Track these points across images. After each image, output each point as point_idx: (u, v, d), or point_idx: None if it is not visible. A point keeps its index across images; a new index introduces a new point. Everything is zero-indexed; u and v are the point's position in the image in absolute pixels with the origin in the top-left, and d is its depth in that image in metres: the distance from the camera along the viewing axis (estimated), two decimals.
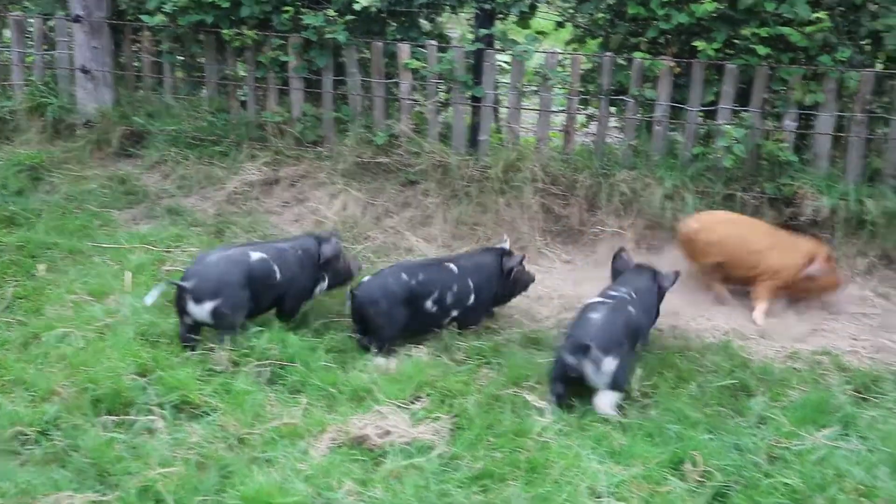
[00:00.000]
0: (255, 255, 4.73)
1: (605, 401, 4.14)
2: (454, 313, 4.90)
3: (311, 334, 4.75)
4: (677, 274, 4.78)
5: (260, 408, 4.04)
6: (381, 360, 4.59)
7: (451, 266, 4.96)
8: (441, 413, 4.06)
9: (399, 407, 4.10)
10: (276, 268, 4.76)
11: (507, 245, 5.18)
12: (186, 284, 4.48)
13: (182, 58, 7.39)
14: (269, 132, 6.96)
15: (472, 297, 4.91)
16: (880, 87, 5.87)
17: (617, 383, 4.14)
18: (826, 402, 4.17)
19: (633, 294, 4.51)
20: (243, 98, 7.17)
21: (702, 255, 5.36)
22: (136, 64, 7.57)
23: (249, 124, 7.05)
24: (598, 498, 3.50)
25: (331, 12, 6.48)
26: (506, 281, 5.06)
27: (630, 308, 4.39)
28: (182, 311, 4.54)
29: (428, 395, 4.24)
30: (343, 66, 6.84)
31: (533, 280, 5.23)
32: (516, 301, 5.27)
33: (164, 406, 4.00)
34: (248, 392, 4.12)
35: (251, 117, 7.08)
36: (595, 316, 4.29)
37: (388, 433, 3.86)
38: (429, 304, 4.80)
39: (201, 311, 4.49)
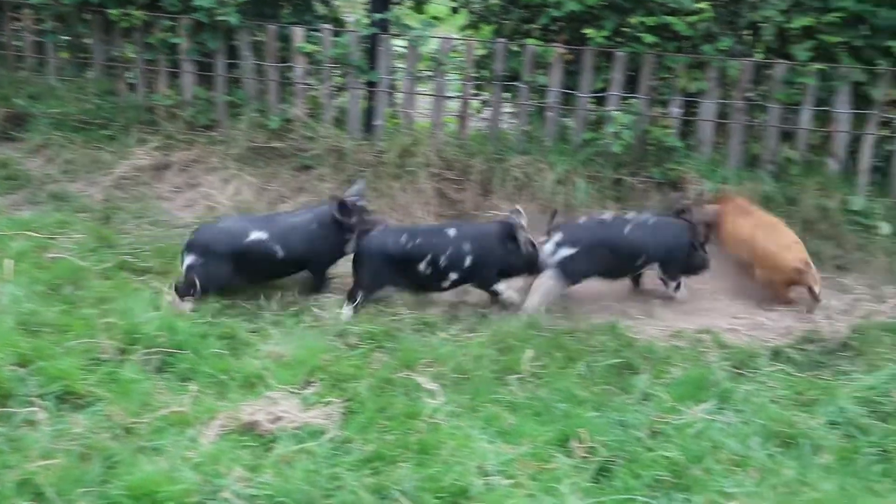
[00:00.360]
0: (254, 236, 5.03)
1: None
2: (453, 276, 5.06)
3: (203, 320, 4.69)
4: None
5: (148, 396, 3.97)
6: (347, 311, 4.90)
7: (449, 231, 5.14)
8: (333, 397, 4.06)
9: (291, 392, 4.08)
10: (277, 247, 5.05)
11: (518, 219, 5.16)
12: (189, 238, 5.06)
13: (67, 38, 7.14)
14: (160, 116, 6.81)
15: (469, 261, 5.04)
16: (759, 76, 6.11)
17: None
18: (705, 378, 4.33)
19: None
20: (132, 80, 6.98)
21: None
22: (17, 43, 7.27)
23: (139, 107, 6.89)
24: (487, 476, 3.55)
25: None
26: (510, 253, 5.12)
27: None
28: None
29: (320, 379, 4.23)
30: (236, 48, 6.73)
31: (537, 257, 5.18)
32: None
33: (45, 397, 3.88)
34: (136, 381, 4.04)
35: (140, 100, 6.91)
36: None
37: (279, 419, 3.84)
38: (422, 266, 5.01)
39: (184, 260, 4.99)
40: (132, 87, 6.98)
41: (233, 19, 6.39)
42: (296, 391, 4.11)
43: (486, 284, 5.17)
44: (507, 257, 5.13)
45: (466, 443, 3.75)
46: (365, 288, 5.04)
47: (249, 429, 3.80)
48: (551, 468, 3.63)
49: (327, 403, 4.01)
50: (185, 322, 4.57)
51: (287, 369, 4.27)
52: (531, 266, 5.17)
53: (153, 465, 3.47)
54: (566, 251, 5.10)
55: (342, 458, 3.65)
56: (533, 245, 5.15)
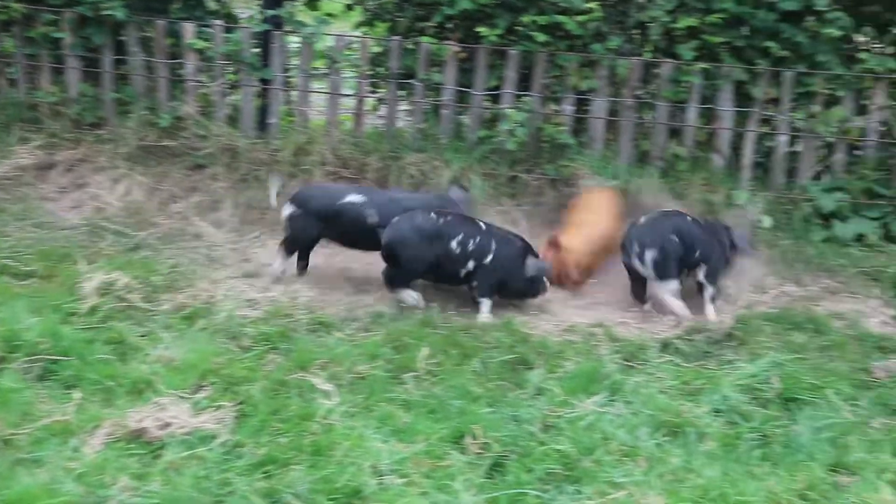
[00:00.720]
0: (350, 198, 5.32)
1: None
2: (471, 265, 5.08)
3: (88, 325, 4.56)
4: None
5: (28, 406, 3.82)
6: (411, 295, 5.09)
7: (481, 223, 5.20)
8: (225, 401, 3.98)
9: (181, 397, 3.98)
10: (371, 211, 5.24)
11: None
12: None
13: None
14: (43, 113, 6.58)
15: (490, 257, 5.09)
16: (647, 75, 6.27)
17: None
18: (597, 372, 4.41)
19: None
20: (12, 76, 6.70)
21: None
22: None
23: (20, 104, 6.64)
24: (381, 476, 3.55)
25: None
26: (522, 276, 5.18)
27: None
28: None
29: (212, 383, 4.14)
30: (124, 44, 6.54)
31: (545, 290, 5.30)
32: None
33: None
34: (15, 390, 3.89)
35: (22, 97, 6.64)
36: None
37: (167, 425, 3.75)
38: (454, 244, 5.04)
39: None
40: (13, 82, 6.71)
41: (119, 14, 6.21)
42: (186, 396, 4.02)
43: (483, 291, 5.16)
44: (515, 274, 5.18)
45: (360, 443, 3.73)
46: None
47: (137, 436, 3.69)
48: (445, 465, 3.64)
49: (219, 408, 3.93)
50: (69, 327, 4.42)
51: (177, 374, 4.18)
52: (524, 293, 5.26)
53: (32, 478, 3.34)
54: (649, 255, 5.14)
55: (233, 462, 3.58)
56: (539, 275, 5.22)
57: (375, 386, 4.22)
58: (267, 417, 3.89)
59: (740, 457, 3.83)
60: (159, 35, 6.43)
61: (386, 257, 5.12)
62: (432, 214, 5.10)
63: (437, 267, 5.10)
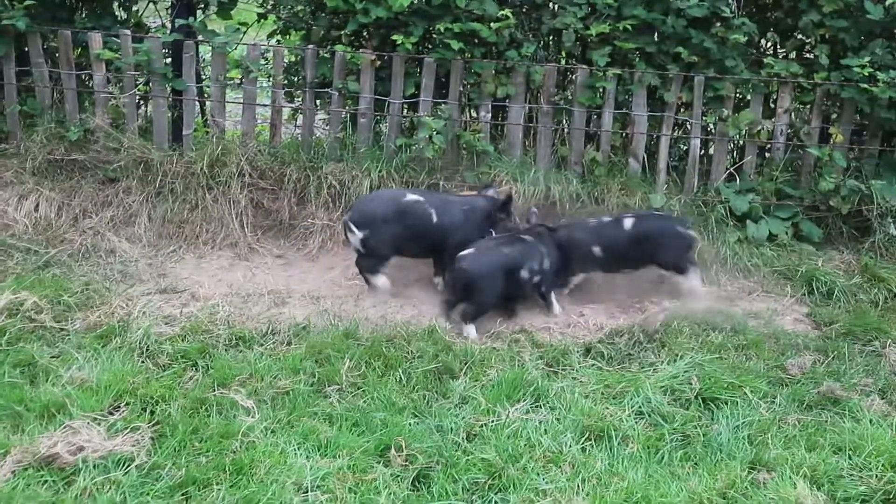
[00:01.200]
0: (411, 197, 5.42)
1: None
2: (536, 279, 5.24)
3: None
4: None
5: None
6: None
7: (528, 238, 5.31)
8: (142, 422, 3.88)
9: (95, 420, 3.86)
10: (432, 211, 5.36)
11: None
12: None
13: None
14: None
15: (548, 262, 5.29)
16: (563, 81, 6.33)
17: None
18: (521, 378, 4.42)
19: None
20: None
21: None
22: None
23: None
24: (304, 493, 3.50)
25: None
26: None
27: None
28: None
29: (128, 404, 4.03)
30: (27, 54, 6.32)
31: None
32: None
33: None
34: None
35: None
36: None
37: (81, 449, 3.63)
38: (524, 273, 5.18)
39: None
40: None
41: (20, 24, 5.99)
42: (101, 418, 3.90)
43: (548, 288, 5.32)
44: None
45: (283, 459, 3.68)
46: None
47: (48, 462, 3.57)
48: (370, 479, 3.61)
49: (135, 429, 3.82)
50: None
51: (91, 395, 4.06)
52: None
53: None
54: None
55: (151, 486, 3.50)
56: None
57: (298, 401, 4.17)
58: (186, 437, 3.81)
59: (663, 458, 3.89)
60: (64, 45, 6.23)
61: (462, 291, 5.10)
62: (503, 247, 5.18)
63: (506, 295, 5.20)
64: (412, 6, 5.99)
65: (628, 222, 5.49)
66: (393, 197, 5.46)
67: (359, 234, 5.27)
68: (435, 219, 5.32)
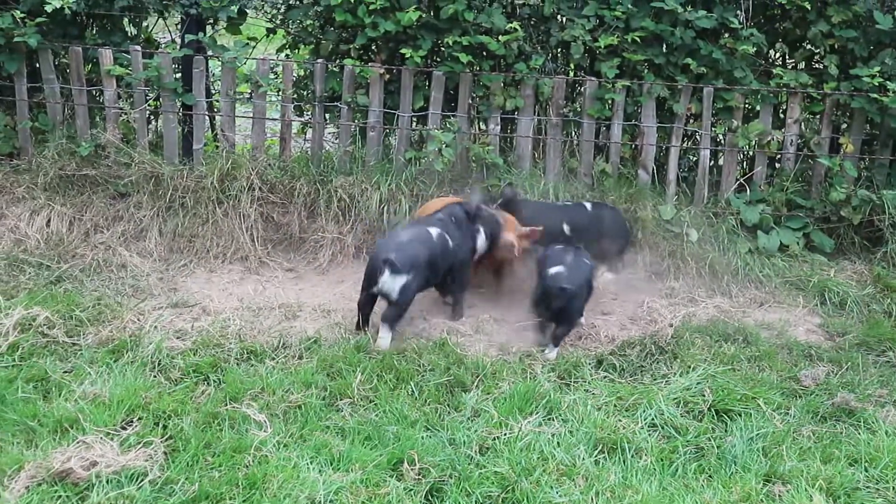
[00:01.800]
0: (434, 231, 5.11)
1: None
2: None
3: (8, 364, 4.39)
4: None
5: None
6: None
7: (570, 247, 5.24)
8: (154, 437, 3.88)
9: (108, 434, 3.87)
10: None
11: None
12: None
13: None
14: None
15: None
16: (572, 93, 6.33)
17: None
18: (533, 391, 4.42)
19: None
20: None
21: None
22: None
23: None
24: None
25: (19, 13, 6.00)
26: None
27: None
28: None
29: (140, 418, 4.04)
30: (39, 71, 6.36)
31: None
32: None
33: None
34: None
35: None
36: None
37: (94, 464, 3.64)
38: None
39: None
40: None
41: (32, 41, 6.03)
42: (114, 433, 3.90)
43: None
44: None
45: (296, 474, 3.67)
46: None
47: (62, 478, 3.58)
48: (382, 493, 3.60)
49: (148, 444, 3.82)
50: None
51: (104, 410, 4.06)
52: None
53: None
54: None
55: (164, 500, 3.50)
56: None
57: (310, 414, 4.16)
58: (198, 452, 3.81)
59: (677, 471, 3.87)
60: (75, 62, 6.26)
61: (558, 312, 4.95)
62: (584, 258, 5.14)
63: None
64: (421, 20, 6.01)
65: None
66: (426, 235, 5.11)
67: (400, 280, 4.83)
68: (451, 244, 5.19)
